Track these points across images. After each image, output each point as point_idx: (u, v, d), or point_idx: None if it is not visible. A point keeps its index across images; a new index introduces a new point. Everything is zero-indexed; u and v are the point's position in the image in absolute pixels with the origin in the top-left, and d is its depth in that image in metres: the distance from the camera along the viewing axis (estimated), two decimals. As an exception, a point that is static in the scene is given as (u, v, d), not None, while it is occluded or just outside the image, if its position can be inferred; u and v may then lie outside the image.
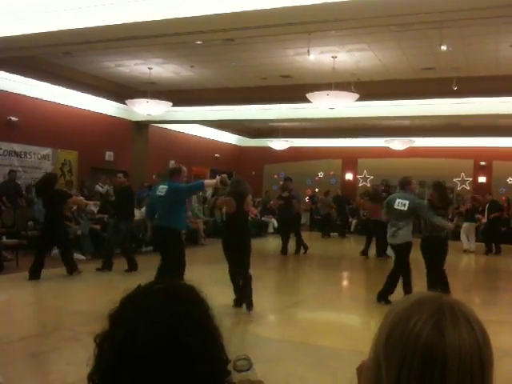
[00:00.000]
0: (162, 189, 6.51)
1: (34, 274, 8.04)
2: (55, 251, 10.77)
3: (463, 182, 19.85)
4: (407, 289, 7.00)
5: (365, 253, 12.55)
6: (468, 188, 19.61)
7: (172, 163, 18.49)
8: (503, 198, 17.71)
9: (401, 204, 7.05)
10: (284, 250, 12.55)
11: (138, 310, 1.00)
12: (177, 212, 6.47)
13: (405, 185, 7.35)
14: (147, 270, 8.93)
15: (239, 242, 6.56)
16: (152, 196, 6.97)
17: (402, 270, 7.12)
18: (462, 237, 14.43)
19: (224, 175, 6.60)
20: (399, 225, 7.05)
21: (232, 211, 6.61)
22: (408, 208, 6.98)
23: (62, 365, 4.71)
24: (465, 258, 13.77)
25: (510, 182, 19.35)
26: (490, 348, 0.80)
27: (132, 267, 9.08)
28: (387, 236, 7.39)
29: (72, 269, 8.50)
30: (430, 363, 0.76)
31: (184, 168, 6.77)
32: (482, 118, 14.85)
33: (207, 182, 6.97)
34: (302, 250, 12.76)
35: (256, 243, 12.90)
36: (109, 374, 0.98)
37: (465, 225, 14.42)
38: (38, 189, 9.07)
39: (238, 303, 6.68)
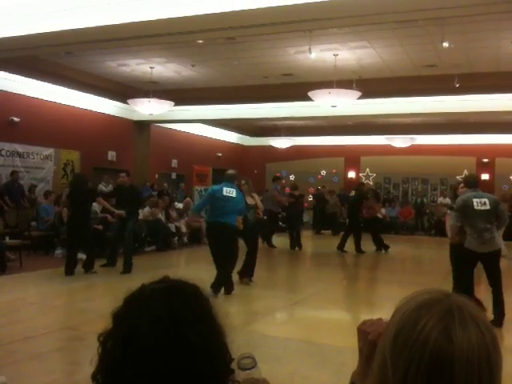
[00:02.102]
0: (231, 191, 7.26)
1: (69, 271, 8.59)
2: (58, 251, 10.80)
3: (466, 179, 19.76)
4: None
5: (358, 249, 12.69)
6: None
7: (175, 163, 18.55)
8: (506, 195, 17.65)
9: (480, 203, 6.04)
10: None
11: (141, 308, 1.00)
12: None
13: (476, 184, 6.38)
14: (150, 270, 9.00)
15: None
16: (216, 195, 7.27)
17: (500, 278, 6.16)
18: None
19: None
20: (490, 228, 6.00)
21: None
22: (491, 206, 6.02)
23: (65, 364, 4.73)
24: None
25: (513, 179, 19.31)
26: (499, 351, 0.79)
27: (127, 269, 8.91)
28: (475, 244, 6.07)
29: (89, 268, 8.78)
30: (437, 368, 0.75)
31: None
32: (484, 115, 14.79)
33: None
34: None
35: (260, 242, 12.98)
36: (112, 373, 0.98)
37: None
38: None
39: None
